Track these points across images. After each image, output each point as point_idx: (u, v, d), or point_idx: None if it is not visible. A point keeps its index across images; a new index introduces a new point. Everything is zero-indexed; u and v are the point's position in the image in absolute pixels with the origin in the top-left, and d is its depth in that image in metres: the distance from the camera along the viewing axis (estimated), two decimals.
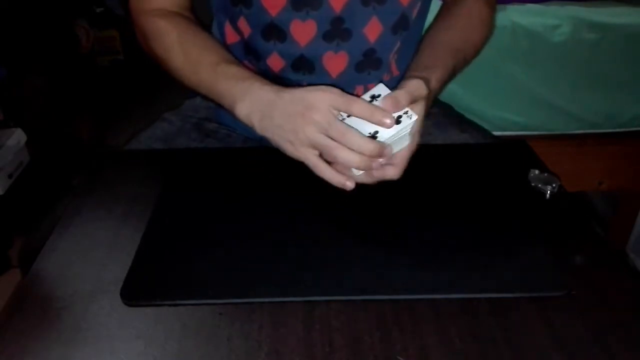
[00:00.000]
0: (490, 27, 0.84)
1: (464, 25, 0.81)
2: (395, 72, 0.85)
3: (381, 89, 0.63)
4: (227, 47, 0.84)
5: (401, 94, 0.62)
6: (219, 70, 0.71)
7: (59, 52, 1.85)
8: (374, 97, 0.63)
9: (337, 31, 0.76)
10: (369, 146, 0.60)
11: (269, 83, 0.68)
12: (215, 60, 0.73)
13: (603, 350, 0.49)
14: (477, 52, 0.81)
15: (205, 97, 0.75)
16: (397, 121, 0.61)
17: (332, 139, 0.61)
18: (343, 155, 0.60)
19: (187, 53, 0.75)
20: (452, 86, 1.28)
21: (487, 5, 0.84)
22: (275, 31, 0.76)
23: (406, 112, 0.62)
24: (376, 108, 0.60)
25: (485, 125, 0.93)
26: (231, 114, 0.70)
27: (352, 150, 0.60)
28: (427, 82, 0.66)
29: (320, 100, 0.61)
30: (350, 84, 0.80)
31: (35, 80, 1.73)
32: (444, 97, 0.99)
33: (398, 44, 0.81)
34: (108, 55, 2.43)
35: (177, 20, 0.78)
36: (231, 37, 0.83)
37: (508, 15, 1.27)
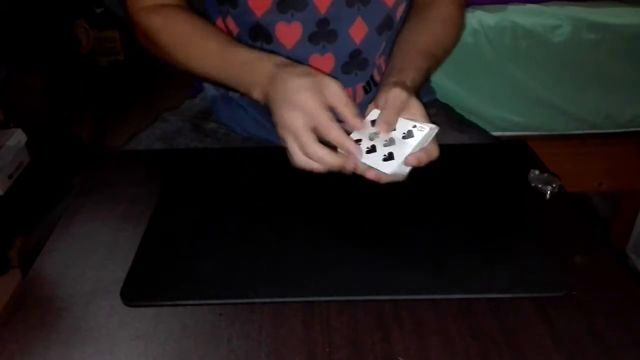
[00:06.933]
0: (460, 29, 0.84)
1: (436, 29, 0.80)
2: None
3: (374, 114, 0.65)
4: None
5: (388, 114, 0.62)
6: (226, 58, 0.71)
7: (58, 52, 1.85)
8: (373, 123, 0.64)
9: (322, 33, 0.76)
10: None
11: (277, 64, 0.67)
12: (219, 47, 0.72)
13: (603, 350, 0.49)
14: (448, 54, 0.81)
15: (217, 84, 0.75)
16: (410, 135, 0.61)
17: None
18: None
19: (190, 45, 0.75)
20: (452, 86, 1.29)
21: (457, 7, 0.83)
22: (261, 32, 0.76)
23: (415, 126, 0.62)
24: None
25: (485, 126, 0.93)
26: (249, 99, 0.70)
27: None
28: (402, 85, 0.65)
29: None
30: None
31: (35, 80, 1.73)
32: (444, 97, 0.99)
33: (383, 45, 0.81)
34: (108, 55, 2.43)
35: (176, 13, 0.78)
36: None
37: (508, 15, 1.27)
